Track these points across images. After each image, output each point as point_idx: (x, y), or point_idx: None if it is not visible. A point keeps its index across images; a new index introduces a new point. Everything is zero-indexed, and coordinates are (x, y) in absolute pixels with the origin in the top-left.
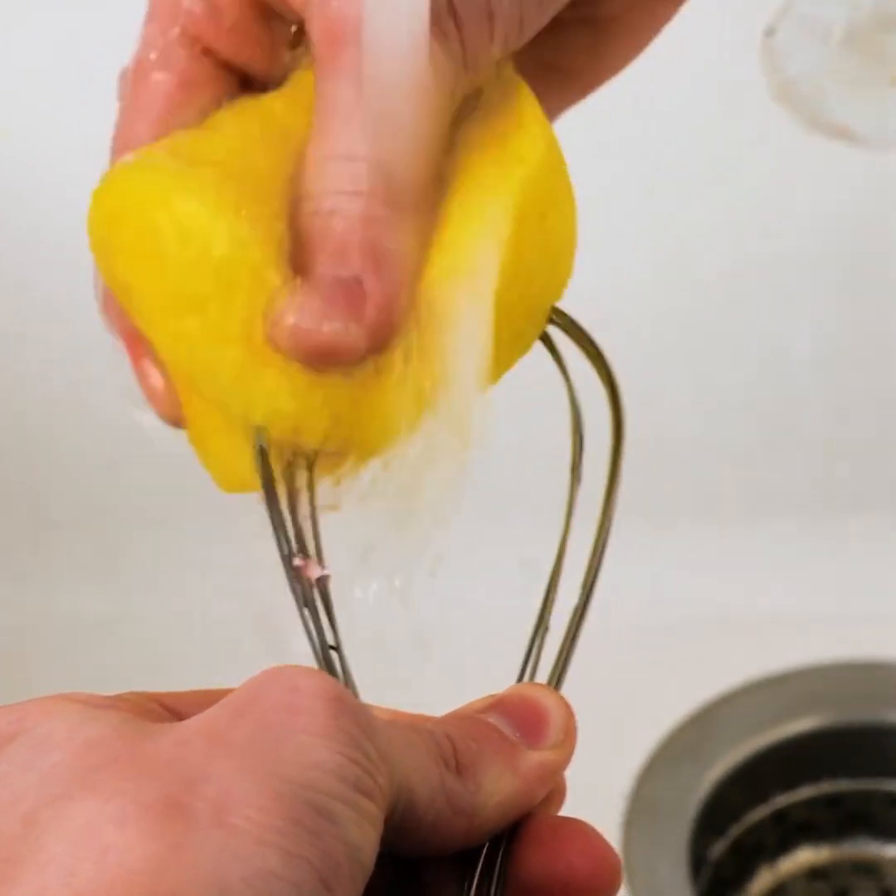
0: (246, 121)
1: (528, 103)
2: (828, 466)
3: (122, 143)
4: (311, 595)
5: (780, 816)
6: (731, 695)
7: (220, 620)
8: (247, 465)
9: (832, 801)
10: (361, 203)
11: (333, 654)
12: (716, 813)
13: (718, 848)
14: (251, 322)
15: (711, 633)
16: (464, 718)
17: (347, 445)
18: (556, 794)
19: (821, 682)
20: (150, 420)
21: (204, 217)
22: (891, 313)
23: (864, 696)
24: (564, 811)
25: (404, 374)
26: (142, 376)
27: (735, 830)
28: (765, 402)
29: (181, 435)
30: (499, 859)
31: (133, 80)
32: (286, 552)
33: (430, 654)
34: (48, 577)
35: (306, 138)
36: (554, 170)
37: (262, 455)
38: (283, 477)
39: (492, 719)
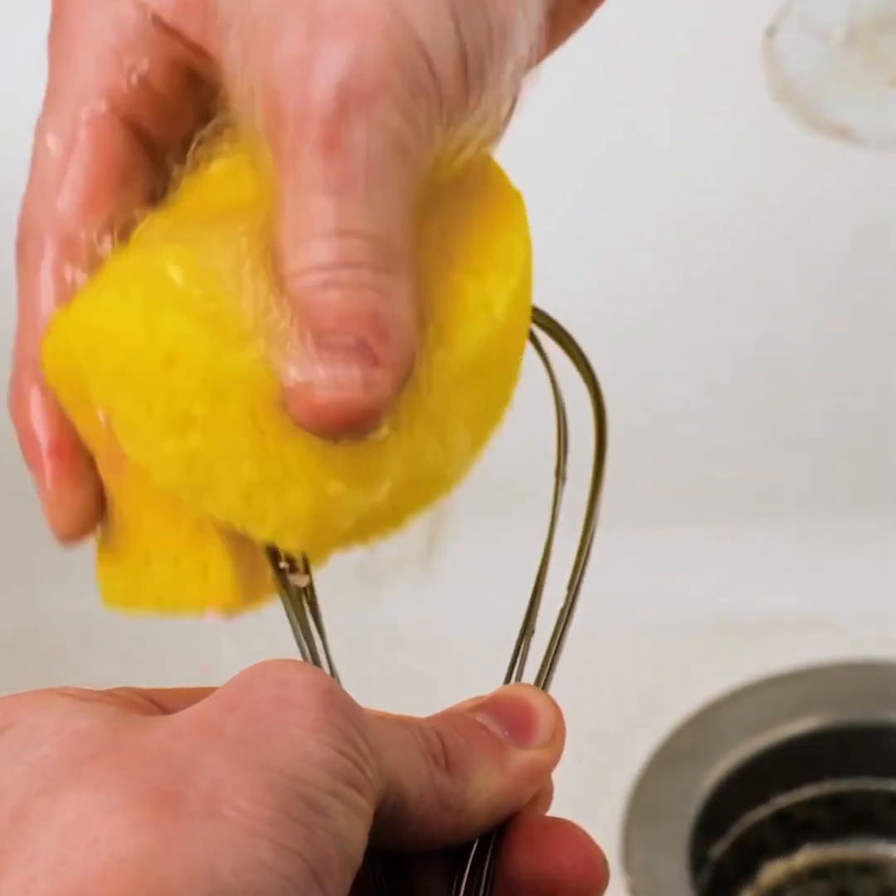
0: (197, 206)
1: (500, 178)
2: (828, 466)
3: (62, 235)
4: (298, 598)
5: (781, 816)
6: (731, 695)
7: (220, 621)
8: (198, 581)
9: (833, 800)
10: (354, 273)
11: (321, 650)
12: (717, 813)
13: (719, 848)
14: (258, 429)
15: (711, 633)
16: (453, 716)
17: (354, 539)
18: (544, 794)
19: (821, 682)
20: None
21: (187, 333)
22: (891, 313)
23: (865, 696)
24: (565, 811)
25: (401, 449)
26: (63, 488)
27: (736, 830)
28: (765, 402)
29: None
30: (488, 858)
31: (58, 166)
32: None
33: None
34: (56, 578)
35: (266, 214)
36: (528, 287)
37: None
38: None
39: (480, 718)
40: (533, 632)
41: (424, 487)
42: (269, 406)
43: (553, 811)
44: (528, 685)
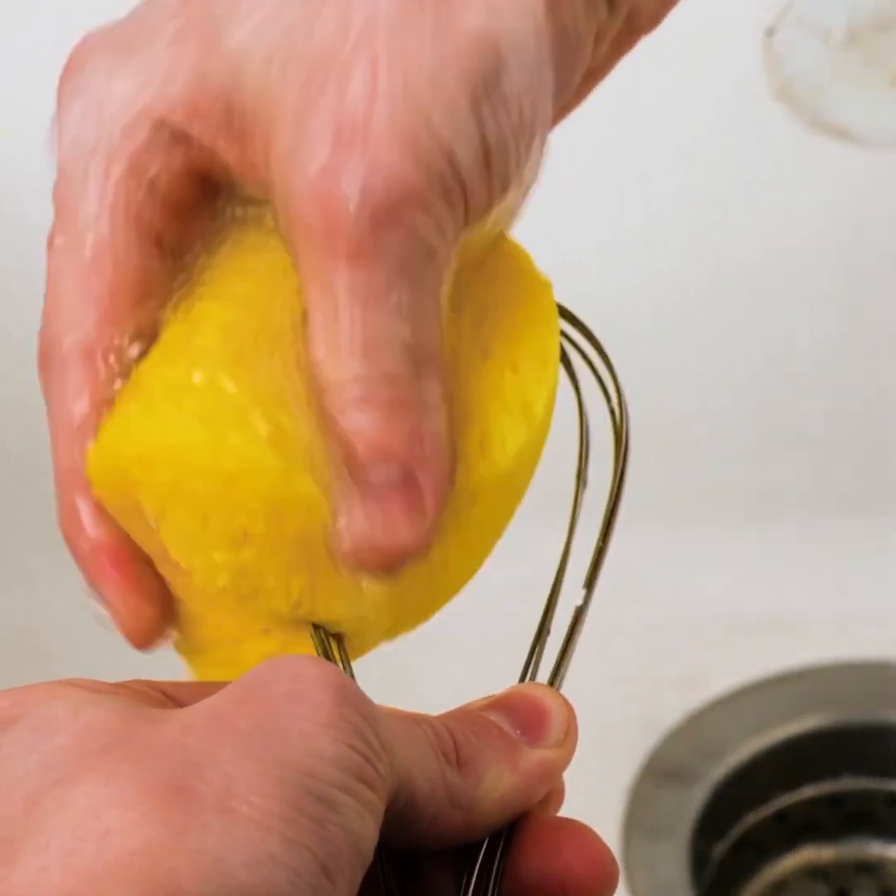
0: (227, 301)
1: (525, 261)
2: (828, 467)
3: (88, 344)
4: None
5: (781, 816)
6: (732, 695)
7: None
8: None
9: (833, 800)
10: (389, 386)
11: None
12: (717, 813)
13: (720, 848)
14: (310, 544)
15: (711, 633)
16: (465, 714)
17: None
18: (554, 794)
19: (821, 682)
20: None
21: (253, 455)
22: (891, 313)
23: (865, 696)
24: (565, 810)
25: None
26: (131, 599)
27: (736, 830)
28: (765, 403)
29: None
30: (497, 857)
31: (77, 280)
32: None
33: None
34: (58, 579)
35: (295, 318)
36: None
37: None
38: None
39: (493, 716)
40: (549, 632)
41: (441, 591)
42: (321, 528)
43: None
44: (542, 684)
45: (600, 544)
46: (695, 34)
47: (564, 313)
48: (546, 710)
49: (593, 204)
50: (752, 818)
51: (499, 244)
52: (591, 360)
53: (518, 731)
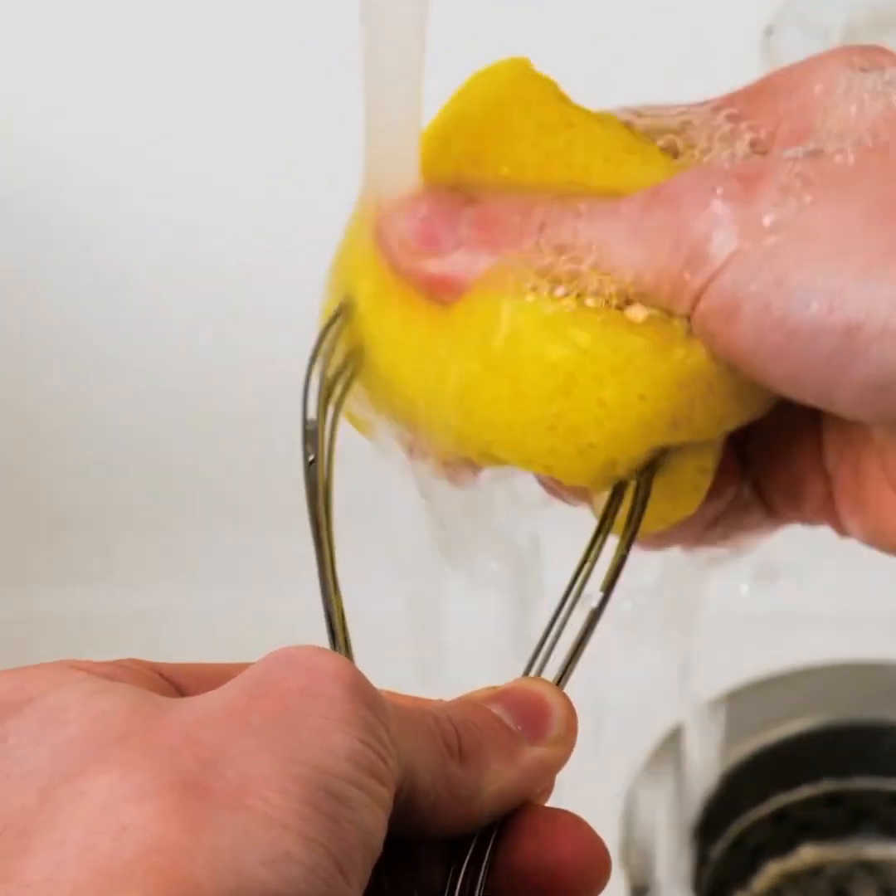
0: None
1: None
2: None
3: None
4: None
5: (780, 815)
6: (731, 694)
7: (221, 620)
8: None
9: (832, 800)
10: None
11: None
12: (717, 812)
13: (719, 847)
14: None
15: (710, 633)
16: (468, 705)
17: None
18: (545, 787)
19: (821, 682)
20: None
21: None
22: None
23: (864, 696)
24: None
25: None
26: None
27: (735, 829)
28: None
29: (178, 434)
30: (488, 848)
31: None
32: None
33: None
34: (48, 577)
35: None
36: None
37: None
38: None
39: (496, 710)
40: (564, 626)
41: None
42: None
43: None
44: (545, 680)
45: (623, 552)
46: (693, 34)
47: None
48: (548, 707)
49: None
50: (751, 817)
51: None
52: None
53: (519, 727)
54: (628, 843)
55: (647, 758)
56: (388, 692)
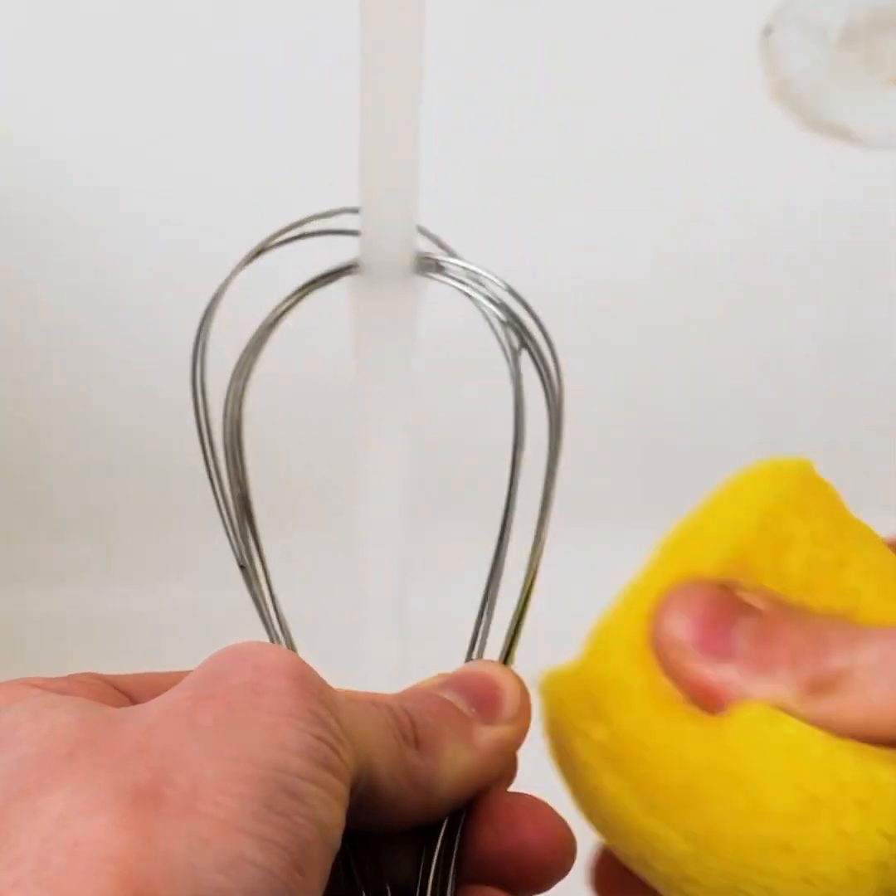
0: None
1: None
2: (827, 466)
3: None
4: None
5: None
6: None
7: (221, 620)
8: None
9: None
10: None
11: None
12: None
13: None
14: None
15: None
16: (420, 693)
17: None
18: (508, 770)
19: None
20: None
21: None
22: (891, 313)
23: None
24: (564, 810)
25: None
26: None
27: None
28: (764, 403)
29: (178, 434)
30: (456, 837)
31: None
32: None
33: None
34: (48, 577)
35: None
36: None
37: None
38: None
39: (448, 696)
40: (494, 604)
41: None
42: None
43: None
44: (493, 661)
45: (539, 527)
46: (692, 33)
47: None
48: (499, 687)
49: (590, 203)
50: None
51: None
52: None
53: (473, 709)
54: None
55: None
56: (345, 691)
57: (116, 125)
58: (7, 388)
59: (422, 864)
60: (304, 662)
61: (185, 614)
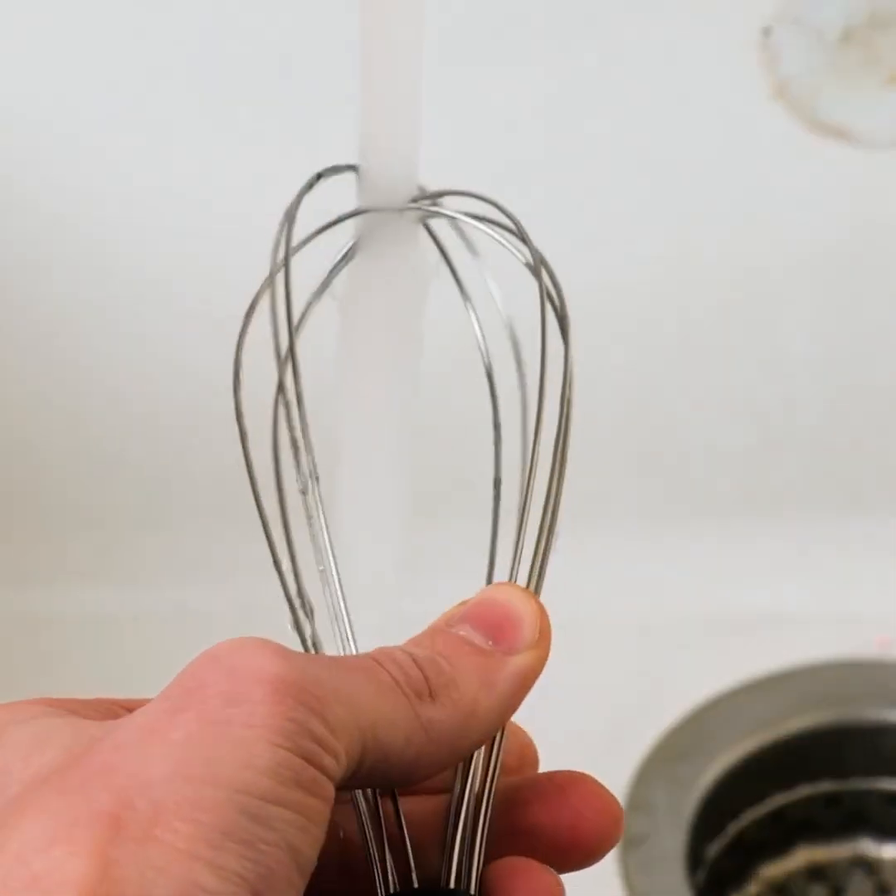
0: None
1: None
2: (828, 466)
3: None
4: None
5: (778, 815)
6: (729, 693)
7: (220, 620)
8: None
9: (831, 800)
10: None
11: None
12: (714, 812)
13: (716, 847)
14: None
15: (709, 632)
16: (434, 635)
17: None
18: (530, 757)
19: (821, 682)
20: None
21: None
22: (891, 313)
23: (863, 696)
24: None
25: None
26: None
27: (733, 829)
28: (764, 402)
29: (178, 433)
30: (491, 770)
31: None
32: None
33: None
34: (48, 577)
35: None
36: None
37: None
38: None
39: (463, 632)
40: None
41: None
42: None
43: None
44: (511, 584)
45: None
46: (691, 33)
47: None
48: (517, 614)
49: (589, 203)
50: (748, 817)
51: None
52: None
53: (490, 642)
54: (626, 843)
55: (645, 757)
56: (342, 659)
57: (117, 124)
58: (7, 389)
59: (446, 835)
60: (284, 656)
61: (184, 615)
